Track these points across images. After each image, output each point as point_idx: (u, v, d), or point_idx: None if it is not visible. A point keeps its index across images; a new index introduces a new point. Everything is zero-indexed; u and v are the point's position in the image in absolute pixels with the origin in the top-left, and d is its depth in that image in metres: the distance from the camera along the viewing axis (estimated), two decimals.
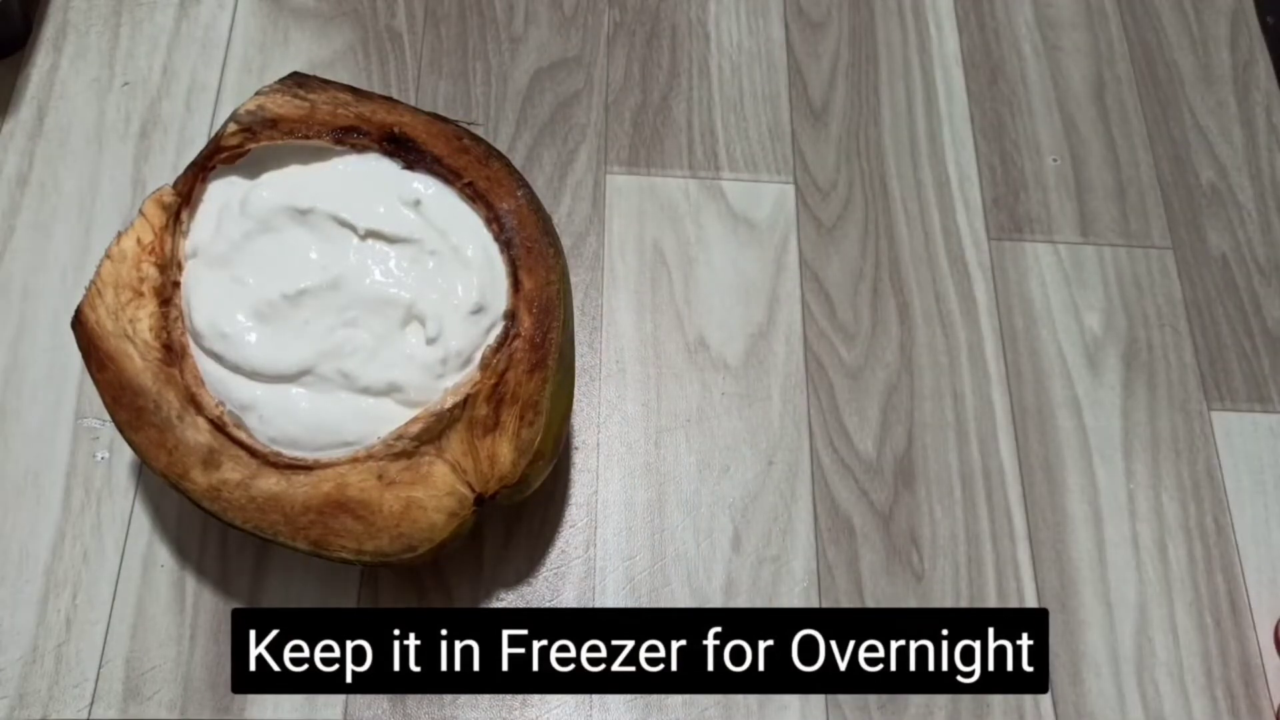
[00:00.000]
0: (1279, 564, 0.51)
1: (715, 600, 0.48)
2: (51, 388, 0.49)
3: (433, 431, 0.38)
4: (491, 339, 0.39)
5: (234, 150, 0.40)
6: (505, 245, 0.40)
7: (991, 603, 0.49)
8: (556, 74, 0.60)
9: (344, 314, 0.38)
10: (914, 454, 0.52)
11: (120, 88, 0.57)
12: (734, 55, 0.62)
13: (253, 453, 0.37)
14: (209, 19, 0.59)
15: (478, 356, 0.39)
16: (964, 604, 0.49)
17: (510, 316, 0.39)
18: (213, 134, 0.40)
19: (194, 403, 0.38)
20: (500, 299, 0.39)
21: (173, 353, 0.38)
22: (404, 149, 0.40)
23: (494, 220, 0.40)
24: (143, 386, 0.38)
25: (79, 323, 0.38)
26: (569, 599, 0.47)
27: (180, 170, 0.42)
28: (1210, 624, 0.49)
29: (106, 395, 0.38)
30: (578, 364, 0.52)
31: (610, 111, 0.59)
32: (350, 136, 0.40)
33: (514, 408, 0.38)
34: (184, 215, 0.40)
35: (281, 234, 0.39)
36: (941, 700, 0.47)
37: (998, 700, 0.47)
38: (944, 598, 0.49)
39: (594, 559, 0.48)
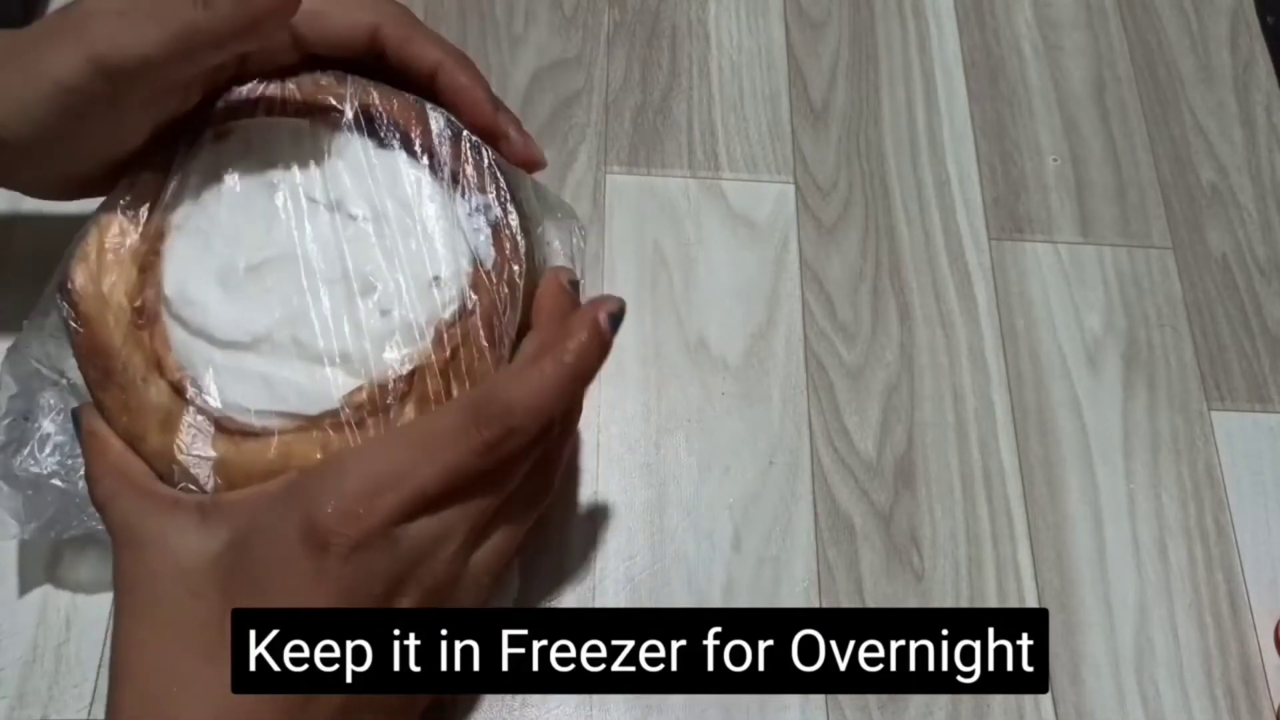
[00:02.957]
0: (1279, 564, 0.51)
1: (715, 600, 0.48)
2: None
3: (378, 404, 0.38)
4: (447, 314, 0.39)
5: (218, 127, 0.41)
6: (467, 217, 0.41)
7: (991, 603, 0.49)
8: (556, 74, 0.60)
9: (304, 283, 0.39)
10: (914, 454, 0.52)
11: None
12: (734, 55, 0.62)
13: (208, 417, 0.38)
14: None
15: (432, 330, 0.39)
16: (964, 604, 0.49)
17: (467, 291, 0.39)
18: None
19: (158, 366, 0.38)
20: (460, 274, 0.39)
21: (144, 317, 0.39)
22: (376, 127, 0.41)
23: (461, 196, 0.41)
24: (112, 348, 0.38)
25: (62, 290, 0.39)
26: (569, 599, 0.47)
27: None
28: (1210, 624, 0.49)
29: (80, 352, 0.39)
30: None
31: (610, 111, 0.59)
32: (328, 115, 0.41)
33: (466, 385, 0.38)
34: (169, 187, 0.41)
35: (253, 206, 0.40)
36: (942, 700, 0.47)
37: (998, 700, 0.47)
38: (944, 598, 0.49)
39: (594, 559, 0.48)
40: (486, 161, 0.42)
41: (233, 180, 0.41)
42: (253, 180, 0.41)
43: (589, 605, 0.47)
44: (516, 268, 0.40)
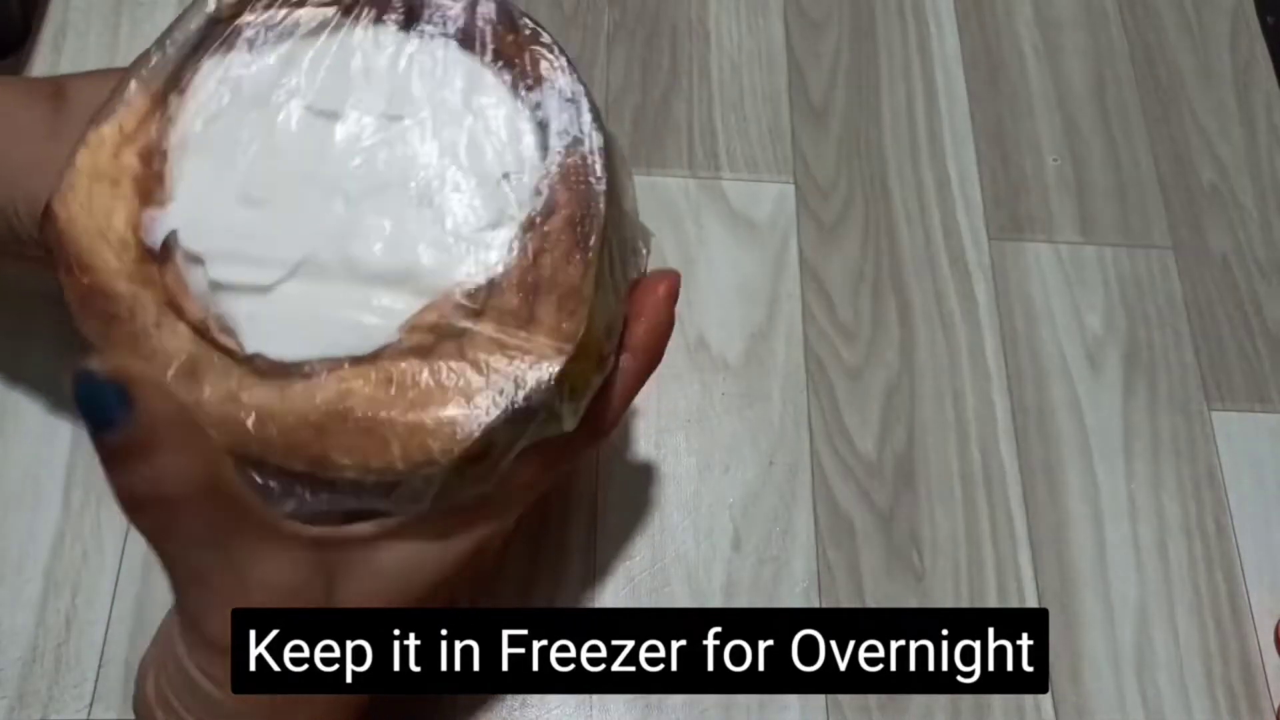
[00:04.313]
0: (1279, 564, 0.51)
1: (715, 600, 0.48)
2: (52, 387, 0.49)
3: (452, 325, 0.32)
4: (521, 215, 0.33)
5: (227, 23, 0.35)
6: (535, 112, 0.35)
7: (991, 603, 0.49)
8: None
9: (348, 194, 0.33)
10: (914, 454, 0.52)
11: None
12: (734, 55, 0.62)
13: (241, 361, 0.31)
14: None
15: (506, 236, 0.33)
16: (964, 604, 0.49)
17: (543, 191, 0.34)
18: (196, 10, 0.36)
19: (174, 306, 0.32)
20: (531, 170, 0.34)
21: (152, 252, 0.33)
22: (419, 15, 0.36)
23: (522, 86, 0.35)
24: (116, 291, 0.32)
25: (47, 219, 0.33)
26: (569, 599, 0.47)
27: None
28: (1210, 624, 0.49)
29: (74, 301, 0.32)
30: None
31: (610, 111, 0.59)
32: (357, 4, 0.35)
33: (550, 297, 0.32)
34: (172, 100, 0.35)
35: (279, 116, 0.34)
36: (941, 700, 0.47)
37: (998, 700, 0.47)
38: (944, 598, 0.49)
39: (594, 559, 0.48)
40: (559, 60, 0.35)
41: (248, 85, 0.34)
42: (272, 84, 0.34)
43: (589, 605, 0.47)
44: (598, 162, 0.34)
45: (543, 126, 0.34)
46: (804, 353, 0.54)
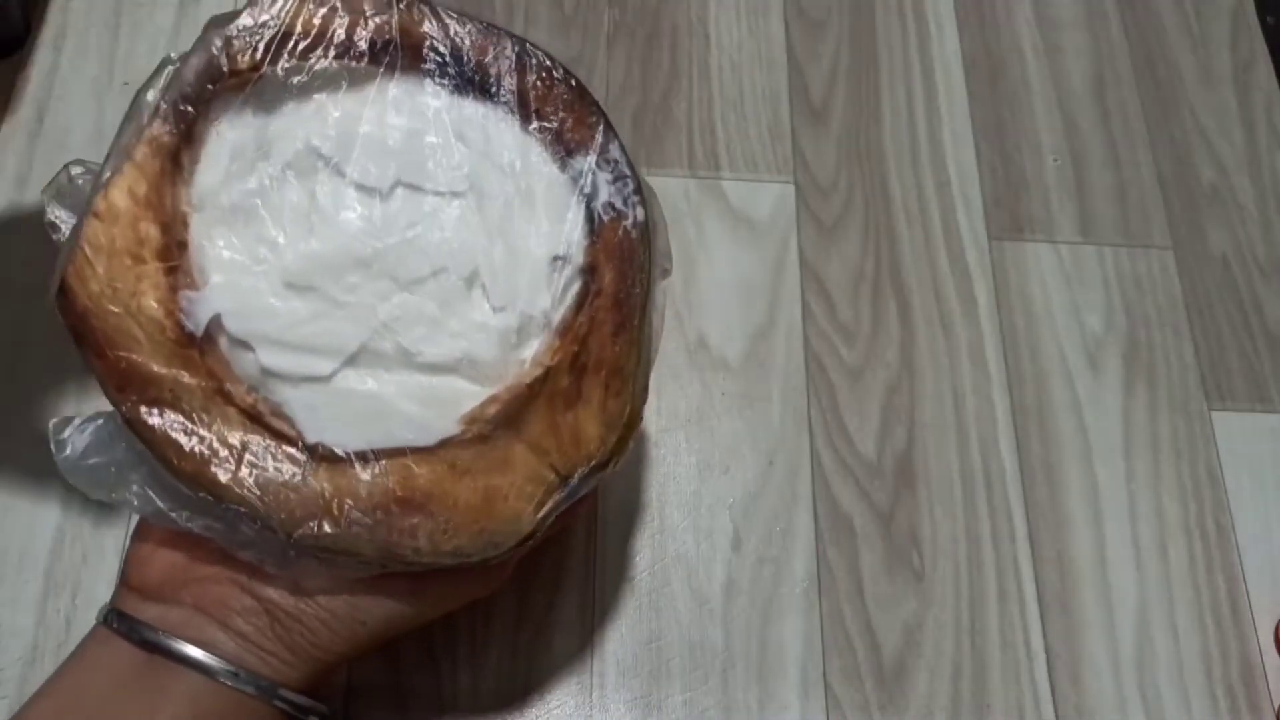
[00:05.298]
0: (1279, 564, 0.51)
1: (715, 600, 0.48)
2: (52, 388, 0.49)
3: (511, 411, 0.32)
4: (570, 298, 0.33)
5: (242, 75, 0.32)
6: (578, 184, 0.34)
7: (992, 603, 0.49)
8: None
9: (398, 279, 0.32)
10: (914, 454, 0.52)
11: (120, 87, 0.57)
12: (734, 55, 0.62)
13: (300, 447, 0.31)
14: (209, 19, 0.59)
15: (556, 319, 0.33)
16: (964, 604, 0.49)
17: (589, 270, 0.33)
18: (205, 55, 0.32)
19: (220, 392, 0.30)
20: (578, 249, 0.33)
21: (189, 331, 0.31)
22: (452, 70, 0.34)
23: (563, 153, 0.34)
24: (154, 374, 0.30)
25: (66, 299, 0.30)
26: (569, 599, 0.47)
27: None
28: (1210, 624, 0.49)
29: (111, 385, 0.30)
30: None
31: (610, 112, 0.59)
32: (386, 54, 0.33)
33: (598, 377, 0.33)
34: (184, 156, 0.32)
35: (311, 183, 0.32)
36: (942, 700, 0.47)
37: (998, 700, 0.47)
38: (944, 598, 0.49)
39: (594, 559, 0.48)
40: (599, 120, 0.35)
41: (275, 144, 0.32)
42: (300, 145, 0.32)
43: (589, 604, 0.47)
44: (634, 233, 0.34)
45: (586, 196, 0.34)
46: (804, 353, 0.54)
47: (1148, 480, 0.52)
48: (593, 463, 0.33)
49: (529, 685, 0.46)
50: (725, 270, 0.55)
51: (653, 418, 0.52)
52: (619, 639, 0.47)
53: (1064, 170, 0.60)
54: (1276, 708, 0.48)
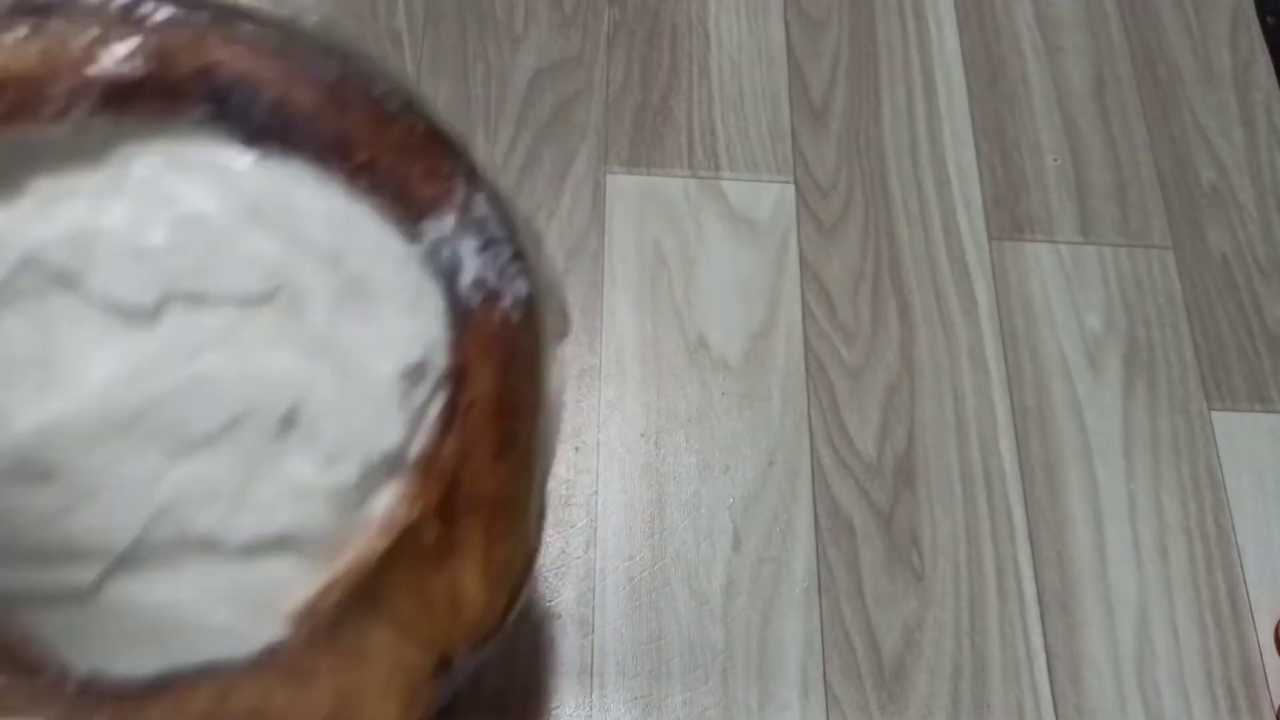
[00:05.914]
0: (1279, 564, 0.51)
1: (715, 600, 0.48)
2: None
3: (361, 589, 0.24)
4: (431, 420, 0.24)
5: None
6: (434, 260, 0.24)
7: (992, 602, 0.49)
8: (556, 74, 0.60)
9: (179, 439, 0.22)
10: (914, 454, 0.52)
11: None
12: (734, 55, 0.62)
13: (66, 689, 0.22)
14: None
15: (415, 453, 0.24)
16: (964, 604, 0.49)
17: (457, 376, 0.24)
18: None
19: None
20: (438, 351, 0.24)
21: None
22: (242, 111, 0.23)
23: (410, 218, 0.24)
24: None
25: None
26: (569, 599, 0.47)
27: None
28: (1210, 624, 0.49)
29: None
30: (578, 364, 0.52)
31: (610, 111, 0.59)
32: (144, 99, 0.22)
33: (476, 518, 0.25)
34: None
35: (43, 308, 0.22)
36: (942, 700, 0.47)
37: (998, 700, 0.47)
38: (944, 597, 0.49)
39: (594, 559, 0.48)
40: (460, 165, 0.25)
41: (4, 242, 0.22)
42: (29, 257, 0.22)
43: (590, 604, 0.47)
44: (516, 314, 0.25)
45: (448, 274, 0.24)
46: (804, 353, 0.54)
47: (1148, 480, 0.52)
48: (480, 633, 0.25)
49: (529, 685, 0.46)
50: (725, 270, 0.55)
51: (653, 417, 0.52)
52: (619, 639, 0.47)
53: (1064, 170, 0.60)
54: (1276, 708, 0.48)
